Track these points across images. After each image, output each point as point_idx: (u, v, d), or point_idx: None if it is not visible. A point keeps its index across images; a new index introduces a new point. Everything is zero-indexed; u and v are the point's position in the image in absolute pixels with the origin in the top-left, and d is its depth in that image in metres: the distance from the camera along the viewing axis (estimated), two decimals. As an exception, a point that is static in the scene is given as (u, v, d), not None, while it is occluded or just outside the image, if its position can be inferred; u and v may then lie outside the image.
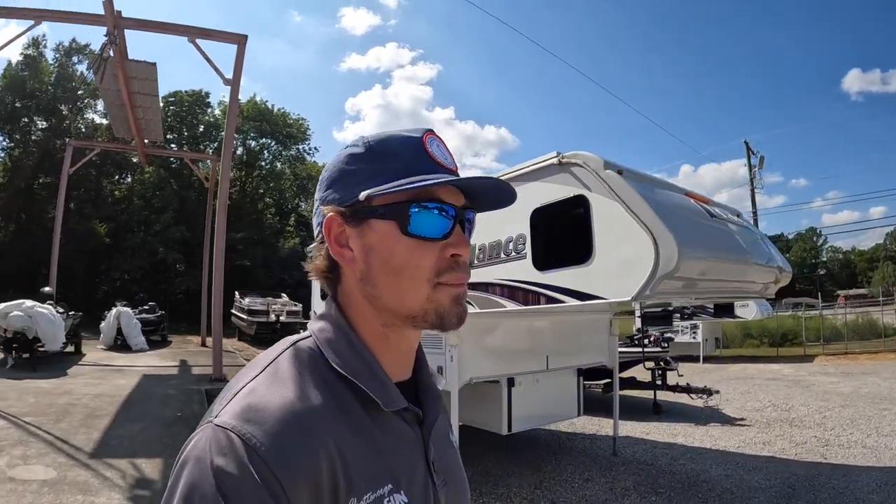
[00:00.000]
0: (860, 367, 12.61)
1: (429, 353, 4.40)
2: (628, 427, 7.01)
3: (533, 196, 4.22)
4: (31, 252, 22.34)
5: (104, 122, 25.39)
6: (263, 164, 38.37)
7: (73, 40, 27.76)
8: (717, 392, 7.67)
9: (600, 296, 3.53)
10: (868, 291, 39.91)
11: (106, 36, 8.84)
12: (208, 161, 23.26)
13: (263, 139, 39.11)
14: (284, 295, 20.20)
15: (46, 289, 11.47)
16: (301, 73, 79.93)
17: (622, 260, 3.38)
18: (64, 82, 27.43)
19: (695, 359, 13.22)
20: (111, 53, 9.26)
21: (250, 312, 17.78)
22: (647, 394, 8.15)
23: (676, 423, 7.19)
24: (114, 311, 14.18)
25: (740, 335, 17.79)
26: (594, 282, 3.59)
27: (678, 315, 13.29)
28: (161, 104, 15.61)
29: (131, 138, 15.27)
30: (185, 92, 35.54)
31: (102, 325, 14.02)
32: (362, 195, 0.62)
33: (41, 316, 8.69)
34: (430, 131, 0.67)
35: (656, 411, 7.74)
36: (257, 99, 40.42)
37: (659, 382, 7.85)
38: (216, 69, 10.73)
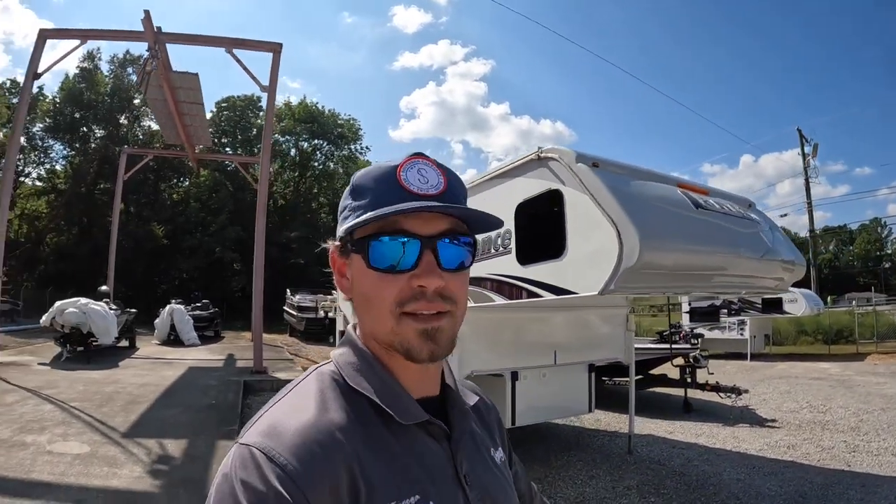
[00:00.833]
0: (913, 366, 11.83)
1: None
2: (653, 425, 6.95)
3: (517, 192, 4.35)
4: (92, 253, 24.38)
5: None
6: (316, 164, 39.92)
7: (127, 52, 29.87)
8: (746, 391, 7.46)
9: (572, 290, 3.61)
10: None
11: (148, 51, 9.66)
12: (257, 164, 24.47)
13: (315, 140, 40.79)
14: (335, 292, 21.00)
15: (103, 287, 12.66)
16: (355, 73, 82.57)
17: (590, 253, 3.45)
18: (119, 92, 29.77)
19: (742, 356, 12.76)
20: (154, 66, 10.08)
21: (300, 309, 18.68)
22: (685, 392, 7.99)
23: (704, 422, 7.04)
24: (167, 308, 15.37)
25: (794, 332, 17.03)
26: (566, 276, 3.67)
27: (725, 311, 12.84)
28: (211, 111, 16.72)
29: (181, 144, 16.44)
30: (238, 97, 37.62)
31: (157, 321, 15.22)
32: (339, 232, 0.70)
33: (94, 312, 9.65)
34: (416, 155, 0.69)
35: (687, 410, 7.61)
36: (308, 101, 42.23)
37: (689, 380, 7.70)
38: (253, 77, 11.36)
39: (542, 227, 4.05)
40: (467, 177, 5.41)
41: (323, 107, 40.73)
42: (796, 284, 5.69)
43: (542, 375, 5.48)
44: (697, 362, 7.70)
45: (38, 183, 30.36)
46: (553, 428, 7.00)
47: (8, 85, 28.75)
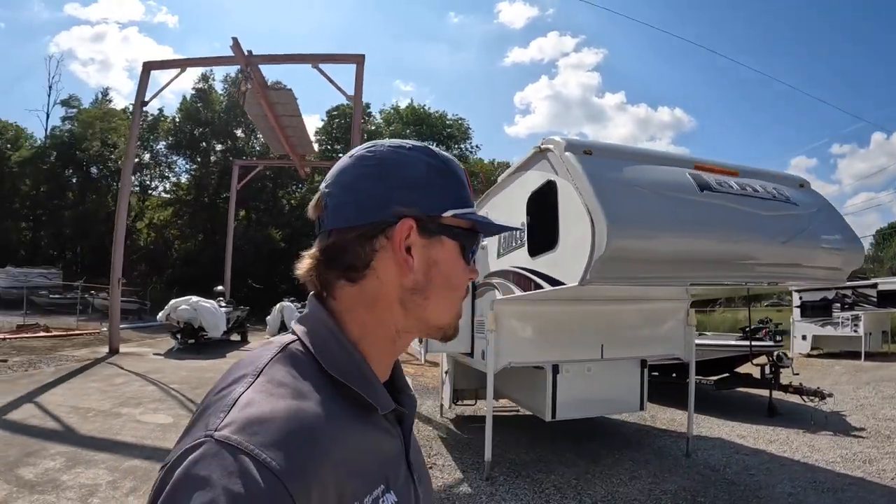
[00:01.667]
0: None
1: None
2: (727, 428, 6.56)
3: (527, 185, 4.46)
4: (215, 258, 27.10)
5: (275, 141, 30.75)
6: (427, 166, 42.15)
7: (239, 71, 33.92)
8: (830, 395, 6.67)
9: (563, 281, 3.65)
10: None
11: (241, 73, 11.00)
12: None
13: (425, 142, 42.61)
14: None
15: (219, 287, 14.57)
16: (466, 72, 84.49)
17: (574, 243, 3.47)
18: (234, 108, 33.65)
19: (856, 355, 11.29)
20: (248, 86, 11.44)
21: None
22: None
23: (784, 428, 6.47)
24: (278, 305, 17.18)
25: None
26: (559, 267, 3.72)
27: (838, 305, 11.34)
28: (322, 119, 18.38)
29: (285, 154, 18.23)
30: (346, 105, 40.48)
31: (269, 318, 17.09)
32: (450, 213, 0.66)
33: (204, 309, 11.25)
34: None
35: (771, 414, 7.08)
36: (415, 104, 44.31)
37: (771, 381, 7.09)
38: (338, 88, 12.35)
39: (544, 219, 4.11)
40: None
41: (429, 108, 42.57)
42: None
43: (586, 370, 5.42)
44: (780, 361, 7.05)
45: (164, 195, 35.80)
46: (616, 424, 6.85)
47: (130, 109, 34.31)
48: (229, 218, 19.32)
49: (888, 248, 39.88)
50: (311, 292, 0.69)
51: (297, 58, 11.97)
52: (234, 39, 9.95)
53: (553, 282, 3.81)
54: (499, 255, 5.21)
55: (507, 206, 4.97)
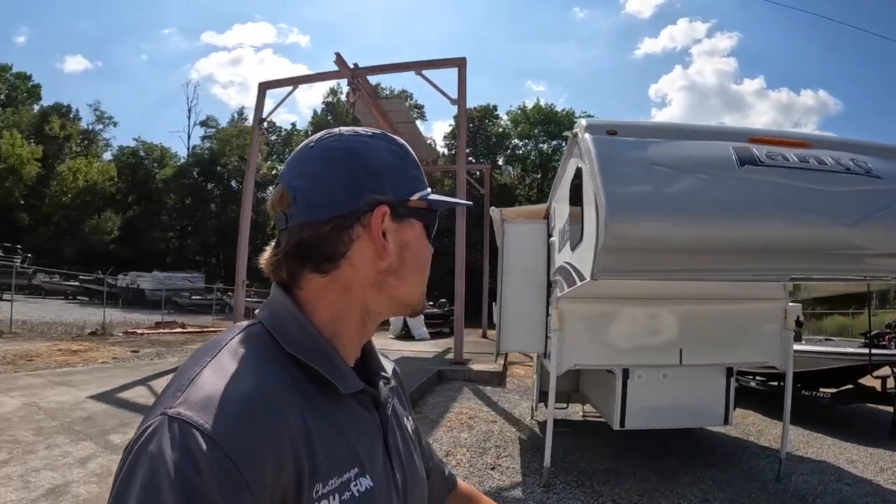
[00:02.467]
0: None
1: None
2: (839, 450, 5.66)
3: (569, 173, 4.31)
4: None
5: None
6: (556, 164, 41.48)
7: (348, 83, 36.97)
8: None
9: (585, 276, 3.48)
10: None
11: (349, 85, 11.93)
12: (477, 171, 26.64)
13: (554, 141, 42.20)
14: None
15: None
16: (596, 68, 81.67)
17: (589, 233, 3.30)
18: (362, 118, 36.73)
19: None
20: (357, 97, 12.31)
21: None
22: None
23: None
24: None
25: None
26: (584, 260, 3.55)
27: None
28: (450, 124, 19.29)
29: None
30: (474, 108, 41.34)
31: (392, 318, 18.14)
32: (416, 196, 0.71)
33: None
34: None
35: (894, 435, 5.97)
36: (542, 104, 43.96)
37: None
38: (442, 92, 12.67)
39: (576, 210, 3.96)
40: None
41: (558, 107, 42.03)
42: None
43: (662, 376, 5.04)
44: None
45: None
46: (718, 437, 6.18)
47: (265, 126, 38.59)
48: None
49: None
50: (275, 281, 0.70)
51: (400, 66, 12.57)
52: (338, 55, 10.81)
53: (581, 276, 3.66)
54: (559, 250, 5.07)
55: (562, 196, 4.83)
